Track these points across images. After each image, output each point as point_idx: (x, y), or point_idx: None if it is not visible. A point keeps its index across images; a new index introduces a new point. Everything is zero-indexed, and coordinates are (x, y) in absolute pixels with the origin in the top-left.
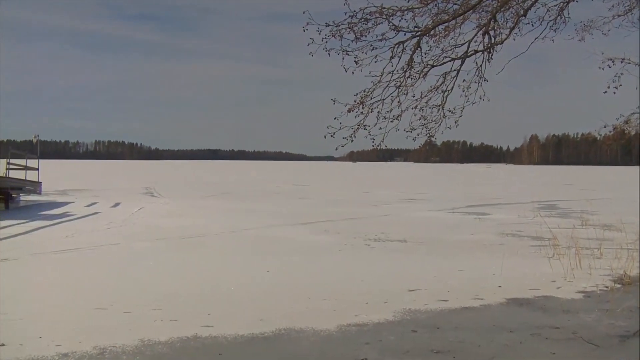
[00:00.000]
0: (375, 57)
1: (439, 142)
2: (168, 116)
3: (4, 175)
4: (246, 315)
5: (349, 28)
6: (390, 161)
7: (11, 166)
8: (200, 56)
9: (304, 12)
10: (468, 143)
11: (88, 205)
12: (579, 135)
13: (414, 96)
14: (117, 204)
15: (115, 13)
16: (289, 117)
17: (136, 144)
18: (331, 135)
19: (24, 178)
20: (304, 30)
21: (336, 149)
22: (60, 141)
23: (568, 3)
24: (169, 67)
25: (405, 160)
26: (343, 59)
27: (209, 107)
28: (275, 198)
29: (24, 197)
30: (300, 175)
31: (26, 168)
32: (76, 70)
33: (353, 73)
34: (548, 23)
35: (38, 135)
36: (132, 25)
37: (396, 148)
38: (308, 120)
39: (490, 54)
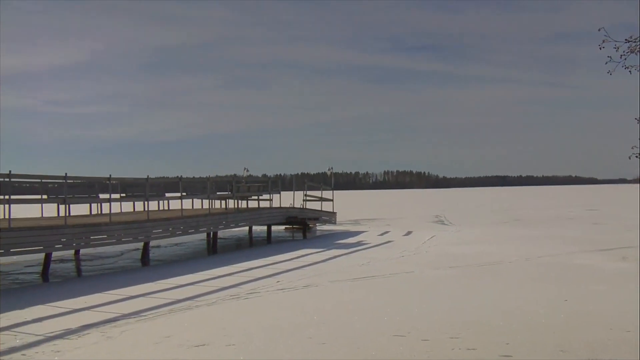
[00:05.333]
0: None
1: None
2: (454, 143)
3: (302, 207)
4: (546, 345)
5: None
6: None
7: (308, 198)
8: (481, 81)
9: (599, 30)
10: None
11: (381, 234)
12: None
13: None
14: (409, 233)
15: (396, 46)
16: (578, 139)
17: (424, 172)
18: (636, 156)
19: (319, 209)
20: (600, 49)
21: None
22: (350, 172)
23: None
24: (448, 94)
25: None
26: None
27: (494, 133)
28: (567, 224)
29: (320, 227)
30: (591, 199)
31: (321, 199)
32: (362, 102)
33: None
34: None
35: (332, 168)
36: (412, 56)
37: None
38: (599, 141)
39: None
